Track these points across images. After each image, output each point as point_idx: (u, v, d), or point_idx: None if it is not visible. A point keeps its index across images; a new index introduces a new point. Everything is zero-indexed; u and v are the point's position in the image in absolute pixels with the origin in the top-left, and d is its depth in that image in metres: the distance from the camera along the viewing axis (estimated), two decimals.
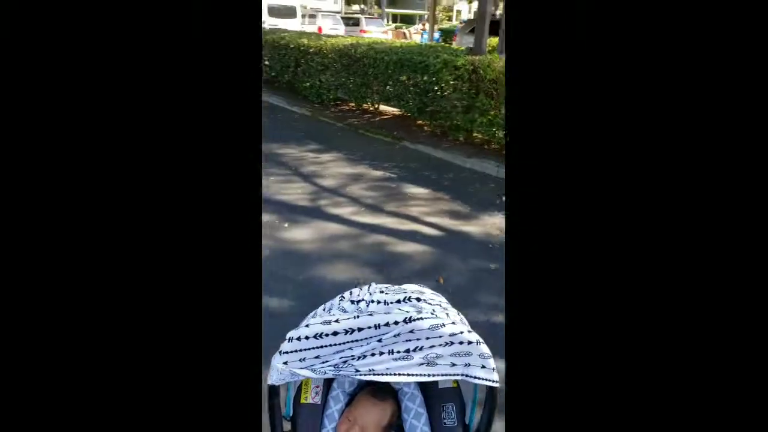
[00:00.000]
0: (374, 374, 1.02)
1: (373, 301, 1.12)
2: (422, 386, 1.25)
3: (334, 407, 1.21)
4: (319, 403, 1.20)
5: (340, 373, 1.02)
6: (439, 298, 1.16)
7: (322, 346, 1.01)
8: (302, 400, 1.18)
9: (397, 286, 1.18)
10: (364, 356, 1.01)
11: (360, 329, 0.99)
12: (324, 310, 1.14)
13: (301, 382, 1.20)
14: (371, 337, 1.00)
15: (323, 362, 1.02)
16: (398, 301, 1.09)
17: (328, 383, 1.24)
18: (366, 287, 1.18)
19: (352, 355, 1.01)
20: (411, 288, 1.16)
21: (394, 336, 0.99)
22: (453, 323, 1.02)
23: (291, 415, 1.17)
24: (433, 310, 1.06)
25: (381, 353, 1.01)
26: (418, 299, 1.09)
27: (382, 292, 1.15)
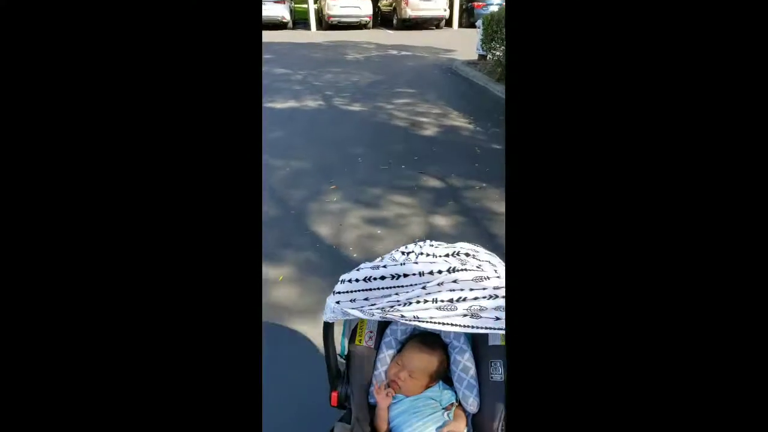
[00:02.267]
0: (418, 321, 1.03)
1: (422, 254, 1.15)
2: (472, 342, 1.28)
3: (386, 352, 1.27)
4: (373, 347, 1.27)
5: (387, 316, 1.05)
6: (492, 258, 1.16)
7: (370, 289, 1.05)
8: (357, 342, 1.26)
9: (449, 244, 1.19)
10: (410, 302, 1.03)
11: (405, 275, 1.03)
12: (378, 259, 1.18)
13: (356, 326, 1.28)
14: (416, 284, 1.02)
15: (372, 305, 1.06)
16: (446, 255, 1.12)
17: (381, 330, 1.30)
18: (420, 242, 1.21)
19: (398, 301, 1.03)
20: (463, 245, 1.18)
21: (438, 285, 1.01)
22: (498, 277, 1.03)
23: (345, 354, 1.25)
24: (480, 265, 1.08)
25: (425, 301, 1.02)
26: (467, 254, 1.12)
27: (432, 245, 1.18)
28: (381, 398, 1.21)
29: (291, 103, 6.28)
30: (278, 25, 15.20)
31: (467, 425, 1.21)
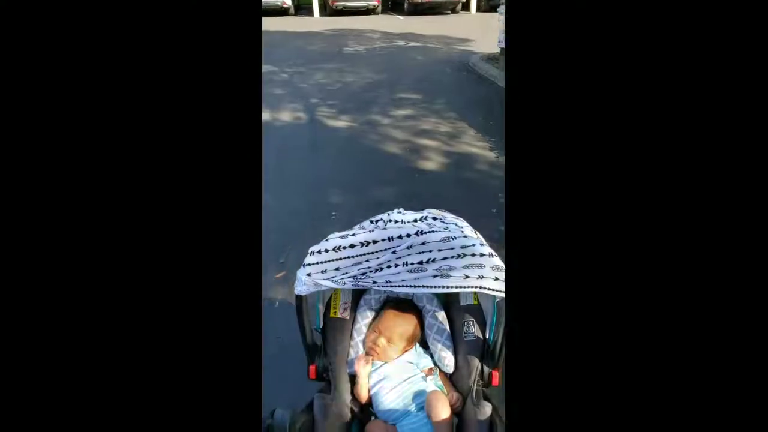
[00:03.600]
0: (391, 285, 1.09)
1: (391, 220, 1.18)
2: (445, 303, 1.32)
3: (362, 321, 1.29)
4: (348, 318, 1.27)
5: (360, 284, 1.10)
6: (459, 221, 1.19)
7: (340, 258, 1.07)
8: (331, 315, 1.26)
9: (416, 212, 1.21)
10: (381, 268, 1.07)
11: (375, 242, 1.05)
12: (348, 230, 1.14)
13: (330, 298, 1.29)
14: (385, 250, 1.06)
15: (343, 274, 1.09)
16: (414, 220, 1.16)
17: (355, 300, 1.31)
18: (388, 212, 1.22)
19: (369, 267, 1.07)
20: (431, 210, 1.22)
21: (407, 248, 1.05)
22: (465, 236, 1.07)
23: (321, 327, 1.26)
24: (447, 227, 1.12)
25: (396, 265, 1.07)
26: (435, 218, 1.16)
27: (400, 212, 1.21)
28: (361, 366, 1.21)
29: (263, 116, 4.96)
30: (278, 11, 13.89)
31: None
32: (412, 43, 9.25)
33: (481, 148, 4.01)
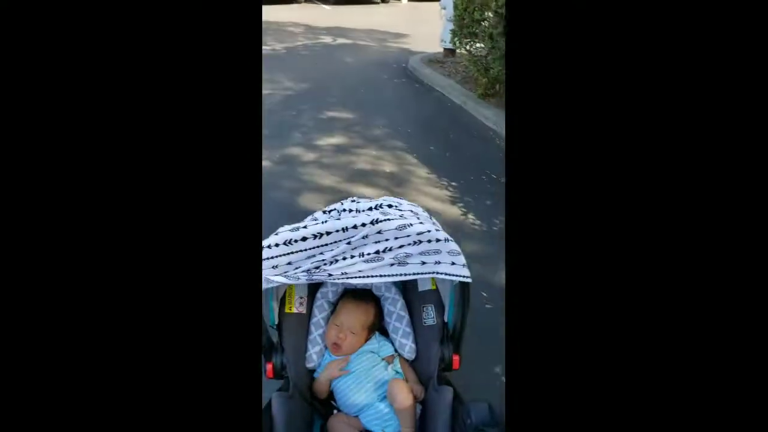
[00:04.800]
0: (347, 277, 1.05)
1: (344, 210, 1.14)
2: (403, 290, 1.34)
3: (319, 315, 1.28)
4: (304, 312, 1.26)
5: (314, 278, 1.05)
6: (414, 208, 1.17)
7: (292, 252, 1.01)
8: (287, 310, 1.24)
9: (369, 200, 1.18)
10: (336, 260, 1.03)
11: (328, 233, 1.01)
12: (299, 223, 1.12)
13: (285, 293, 1.26)
14: (340, 241, 1.02)
15: (296, 268, 1.04)
16: (369, 209, 1.11)
17: (312, 294, 1.30)
18: (342, 201, 1.19)
19: (323, 260, 1.03)
20: (386, 198, 1.19)
21: (363, 238, 1.02)
22: (421, 223, 1.05)
23: (276, 323, 1.23)
24: (402, 214, 1.08)
25: (351, 256, 1.03)
26: (390, 206, 1.14)
27: (353, 201, 1.18)
28: (333, 371, 1.19)
29: None
30: None
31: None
32: (341, 40, 8.02)
33: (441, 200, 2.93)
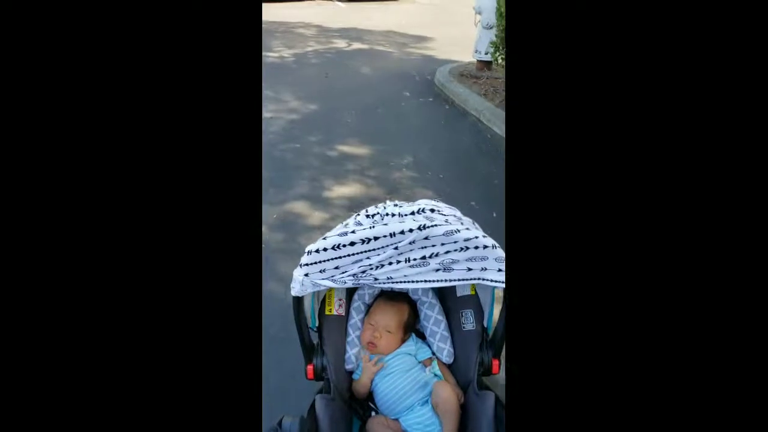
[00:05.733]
0: (393, 282, 1.07)
1: (387, 214, 1.13)
2: (440, 295, 1.34)
3: (357, 317, 1.30)
4: (343, 314, 1.27)
5: (360, 282, 1.07)
6: (454, 210, 1.18)
7: (340, 257, 1.02)
8: (327, 312, 1.25)
9: (411, 202, 1.17)
10: (382, 265, 1.04)
11: (376, 238, 1.01)
12: (342, 226, 1.12)
13: (324, 296, 1.27)
14: (387, 246, 1.02)
15: (343, 272, 1.05)
16: (412, 213, 1.11)
17: (350, 296, 1.32)
18: (381, 204, 1.18)
19: (370, 264, 1.04)
20: (425, 201, 1.17)
21: (410, 243, 1.01)
22: (467, 229, 1.05)
23: (317, 326, 1.25)
24: (447, 219, 1.08)
25: (398, 261, 1.04)
26: (432, 210, 1.12)
27: (396, 205, 1.15)
28: (369, 368, 1.21)
29: None
30: None
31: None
32: (356, 45, 7.15)
33: None
